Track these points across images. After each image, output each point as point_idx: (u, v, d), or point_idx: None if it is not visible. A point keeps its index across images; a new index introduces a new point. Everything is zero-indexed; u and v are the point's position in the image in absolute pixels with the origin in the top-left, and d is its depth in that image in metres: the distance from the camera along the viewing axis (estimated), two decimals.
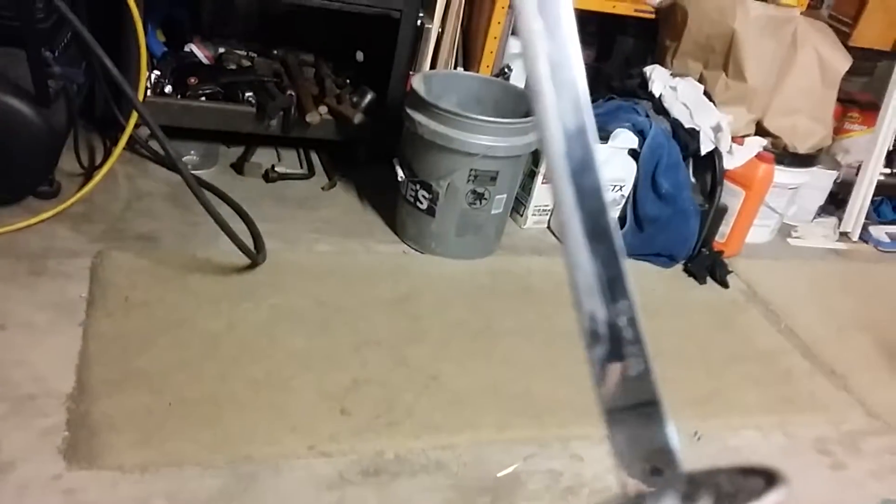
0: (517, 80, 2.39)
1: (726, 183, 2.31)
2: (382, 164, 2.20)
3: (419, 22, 2.35)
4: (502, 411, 1.61)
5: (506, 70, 2.44)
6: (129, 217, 1.95)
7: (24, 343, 1.49)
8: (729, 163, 2.31)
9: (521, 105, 2.11)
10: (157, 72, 2.28)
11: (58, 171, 1.96)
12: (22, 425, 1.31)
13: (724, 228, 2.38)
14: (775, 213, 2.52)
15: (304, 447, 1.42)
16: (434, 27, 2.40)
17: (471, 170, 1.98)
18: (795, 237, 2.67)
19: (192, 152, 2.30)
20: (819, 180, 2.67)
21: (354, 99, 2.38)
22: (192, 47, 2.47)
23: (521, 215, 2.35)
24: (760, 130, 2.46)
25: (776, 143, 2.46)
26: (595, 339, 0.47)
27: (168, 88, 2.27)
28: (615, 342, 0.47)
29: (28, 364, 1.44)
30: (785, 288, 2.34)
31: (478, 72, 2.42)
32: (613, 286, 0.46)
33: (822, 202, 2.76)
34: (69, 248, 1.77)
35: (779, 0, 2.62)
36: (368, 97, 2.39)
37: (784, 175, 2.43)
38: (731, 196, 2.34)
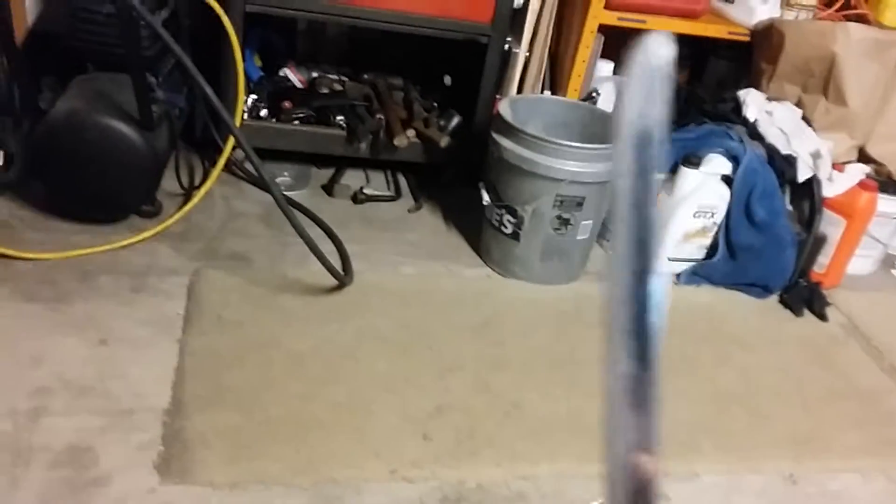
0: (605, 104, 2.37)
1: (826, 211, 2.22)
2: (468, 187, 2.21)
3: (506, 47, 2.35)
4: (584, 442, 1.58)
5: (594, 94, 2.42)
6: (225, 236, 2.02)
7: (124, 358, 1.56)
8: (828, 190, 2.21)
9: (608, 130, 2.08)
10: (253, 96, 2.36)
11: (159, 192, 2.05)
12: (120, 439, 1.37)
13: (823, 259, 2.28)
14: (878, 244, 2.40)
15: (387, 471, 1.43)
16: (521, 52, 2.41)
17: (556, 195, 1.97)
18: None
19: (286, 174, 2.37)
20: None
21: (441, 122, 2.40)
22: (287, 72, 2.55)
23: (608, 241, 2.32)
24: (863, 157, 2.35)
25: (880, 170, 2.35)
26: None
27: (264, 112, 2.35)
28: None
29: (127, 378, 1.51)
30: (888, 322, 2.22)
31: (565, 96, 2.41)
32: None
33: None
34: (168, 266, 1.85)
35: (882, 22, 2.51)
36: (455, 121, 2.41)
37: (888, 204, 2.31)
38: (831, 225, 2.24)
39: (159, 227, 1.94)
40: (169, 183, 2.14)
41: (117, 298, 1.72)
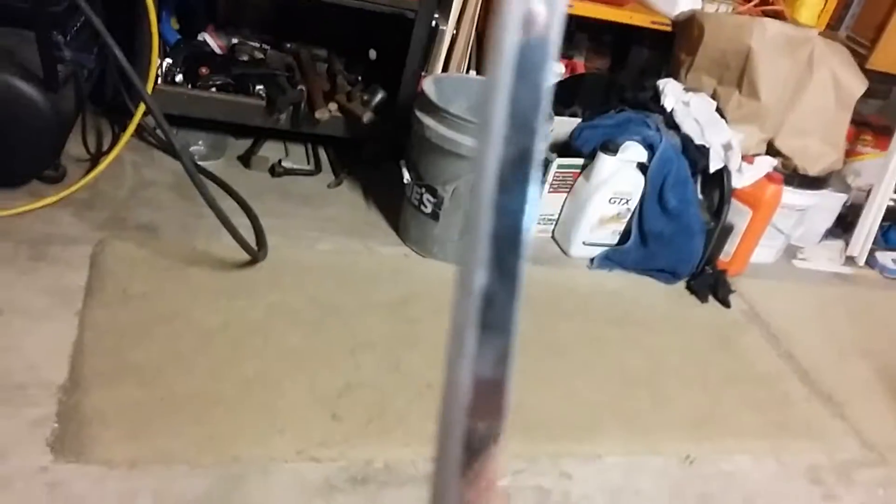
0: None
1: (734, 201, 2.30)
2: (390, 164, 2.19)
3: (434, 23, 2.33)
4: None
5: None
6: (133, 206, 1.95)
7: (20, 329, 1.49)
8: (737, 181, 2.29)
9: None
10: (168, 60, 2.27)
11: (64, 157, 1.95)
12: (11, 414, 1.31)
13: (729, 247, 2.36)
14: (781, 234, 2.51)
15: (293, 451, 1.41)
16: (448, 29, 2.39)
17: None
18: (801, 259, 2.65)
19: (200, 143, 2.29)
20: (828, 203, 2.65)
21: (365, 97, 2.37)
22: (206, 36, 2.46)
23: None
24: (771, 150, 2.44)
25: (786, 163, 2.44)
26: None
27: (179, 77, 2.26)
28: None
29: (21, 351, 1.44)
30: (787, 310, 2.33)
31: None
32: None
33: (829, 225, 2.74)
34: (70, 235, 1.77)
35: (797, 20, 2.60)
36: (379, 96, 2.37)
37: (793, 196, 2.41)
38: (738, 215, 2.32)
39: (62, 194, 1.85)
40: (75, 148, 2.04)
41: (15, 267, 1.64)
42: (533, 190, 0.37)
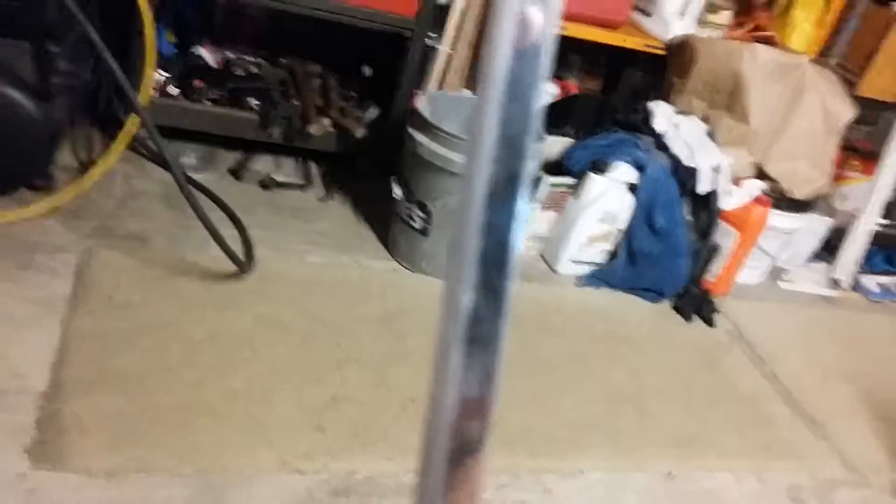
0: None
1: (721, 223, 2.32)
2: (381, 179, 2.20)
3: (429, 42, 2.36)
4: None
5: None
6: (122, 216, 1.95)
7: (4, 336, 1.49)
8: (726, 204, 2.31)
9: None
10: (164, 73, 2.29)
11: (55, 166, 1.96)
12: None
13: (716, 268, 2.38)
14: (767, 256, 2.52)
15: (277, 462, 1.41)
16: (444, 48, 2.41)
17: None
18: (786, 281, 2.66)
19: (192, 155, 2.30)
20: (814, 226, 2.67)
21: (358, 113, 2.39)
22: (202, 50, 2.48)
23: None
24: (760, 174, 2.47)
25: (775, 187, 2.47)
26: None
27: (174, 90, 2.28)
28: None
29: (5, 358, 1.44)
30: (771, 331, 2.34)
31: None
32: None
33: (815, 248, 2.76)
34: (58, 244, 1.78)
35: (788, 46, 2.64)
36: (372, 112, 2.39)
37: (780, 219, 2.43)
38: (725, 236, 2.34)
39: (52, 203, 1.86)
40: (67, 158, 2.05)
41: (1, 274, 1.64)
42: (521, 209, 0.38)
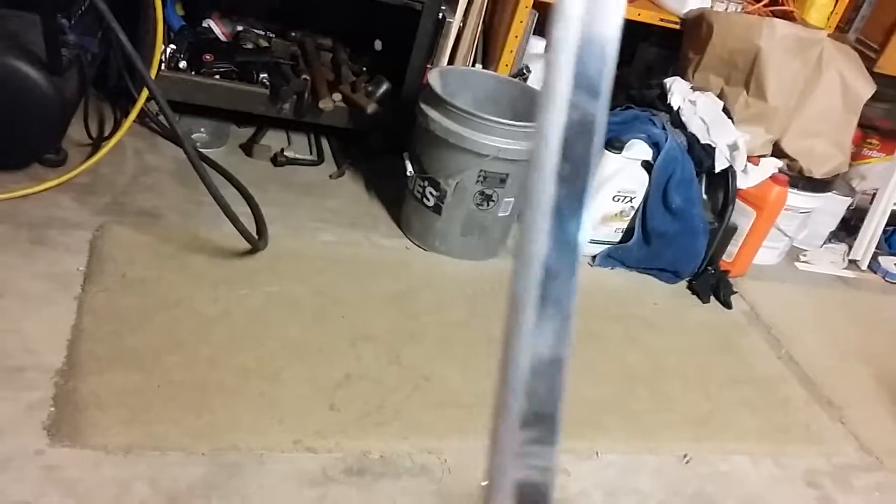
0: (535, 82, 2.37)
1: (738, 202, 2.29)
2: (393, 156, 2.18)
3: (441, 15, 2.32)
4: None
5: (524, 71, 2.41)
6: (134, 191, 1.94)
7: (19, 313, 1.48)
8: (742, 182, 2.28)
9: (536, 108, 2.08)
10: (172, 46, 2.26)
11: (66, 141, 1.94)
12: (8, 398, 1.30)
13: (732, 248, 2.35)
14: (785, 236, 2.49)
15: (290, 441, 1.41)
16: (455, 22, 2.37)
17: (480, 170, 1.96)
18: (803, 261, 2.64)
19: (203, 130, 2.28)
20: (832, 206, 2.64)
21: (369, 88, 2.36)
22: (211, 23, 2.45)
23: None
24: (777, 152, 2.43)
25: (792, 165, 2.43)
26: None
27: (183, 64, 2.25)
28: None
29: (20, 334, 1.43)
30: (788, 312, 2.32)
31: (496, 71, 2.40)
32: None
33: (833, 228, 2.73)
34: (71, 219, 1.76)
35: (806, 21, 2.59)
36: (384, 87, 2.36)
37: (797, 198, 2.40)
38: (742, 216, 2.31)
39: (63, 178, 1.84)
40: (78, 132, 2.03)
41: (14, 250, 1.63)
42: (595, 159, 0.36)
